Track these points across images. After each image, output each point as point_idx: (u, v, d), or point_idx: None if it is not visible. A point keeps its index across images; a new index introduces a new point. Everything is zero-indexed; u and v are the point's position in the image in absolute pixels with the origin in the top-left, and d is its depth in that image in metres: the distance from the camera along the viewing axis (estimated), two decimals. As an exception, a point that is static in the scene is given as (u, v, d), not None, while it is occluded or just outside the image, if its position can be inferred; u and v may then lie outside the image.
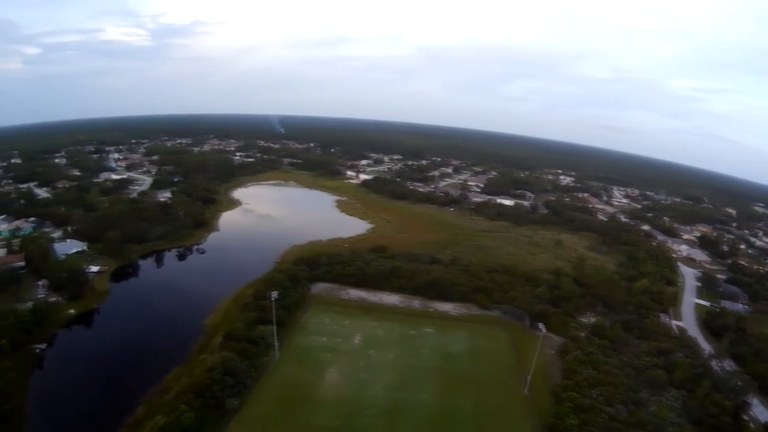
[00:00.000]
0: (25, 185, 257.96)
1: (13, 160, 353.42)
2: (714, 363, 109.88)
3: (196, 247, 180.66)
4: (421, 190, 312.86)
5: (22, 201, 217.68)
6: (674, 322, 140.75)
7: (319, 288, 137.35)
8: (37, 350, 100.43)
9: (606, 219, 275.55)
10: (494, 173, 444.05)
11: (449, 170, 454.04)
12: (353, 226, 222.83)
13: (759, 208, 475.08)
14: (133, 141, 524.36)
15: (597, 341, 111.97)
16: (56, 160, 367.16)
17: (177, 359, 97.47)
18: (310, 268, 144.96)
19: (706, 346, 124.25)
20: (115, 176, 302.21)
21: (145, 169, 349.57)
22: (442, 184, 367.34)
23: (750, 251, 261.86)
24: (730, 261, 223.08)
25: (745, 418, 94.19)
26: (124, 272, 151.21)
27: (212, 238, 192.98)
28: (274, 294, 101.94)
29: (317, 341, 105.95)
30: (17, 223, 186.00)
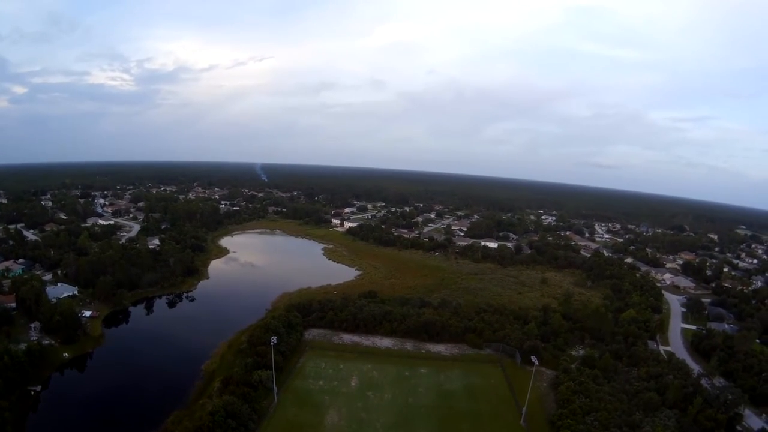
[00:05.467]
0: (12, 226, 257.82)
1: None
2: (704, 381, 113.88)
3: (187, 294, 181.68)
4: (406, 236, 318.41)
5: (11, 242, 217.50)
6: (662, 348, 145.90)
7: (312, 333, 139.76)
8: (33, 392, 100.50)
9: (589, 255, 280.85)
10: (477, 217, 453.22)
11: (432, 215, 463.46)
12: (342, 273, 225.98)
13: (741, 231, 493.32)
14: (119, 187, 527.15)
15: (588, 371, 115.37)
16: (42, 203, 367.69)
17: (176, 404, 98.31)
18: (303, 314, 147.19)
19: (695, 367, 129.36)
20: (102, 221, 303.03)
21: (132, 215, 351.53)
22: (426, 229, 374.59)
23: (734, 273, 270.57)
24: (714, 284, 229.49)
25: (739, 428, 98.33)
26: (116, 318, 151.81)
27: (203, 285, 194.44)
28: (274, 339, 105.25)
29: (315, 385, 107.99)
30: (7, 264, 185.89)
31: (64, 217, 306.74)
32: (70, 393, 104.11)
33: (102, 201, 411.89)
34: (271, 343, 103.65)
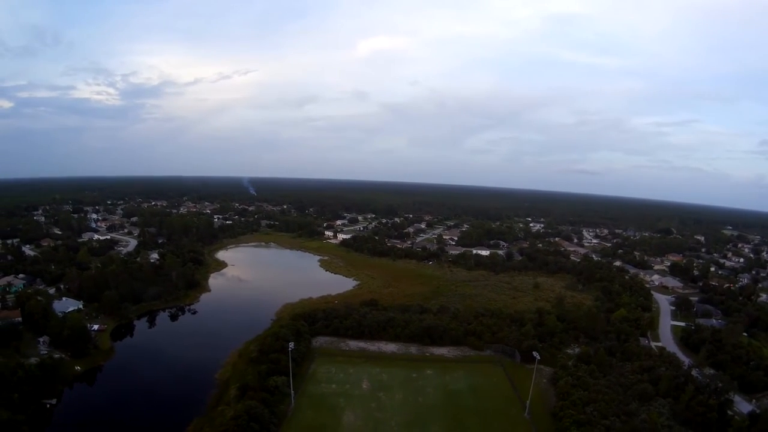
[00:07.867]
0: (9, 241, 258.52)
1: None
2: (695, 372, 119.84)
3: (191, 307, 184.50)
4: (399, 246, 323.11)
5: (10, 257, 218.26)
6: (653, 344, 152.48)
7: (319, 341, 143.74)
8: (48, 405, 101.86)
9: (579, 259, 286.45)
10: (467, 226, 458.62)
11: (423, 226, 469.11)
12: (340, 284, 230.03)
13: (727, 231, 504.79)
14: (109, 202, 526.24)
15: (584, 367, 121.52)
16: (35, 218, 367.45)
17: (194, 412, 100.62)
18: (309, 323, 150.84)
19: (685, 360, 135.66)
20: (99, 236, 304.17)
21: (126, 230, 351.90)
22: (418, 239, 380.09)
23: (721, 272, 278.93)
24: (701, 283, 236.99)
25: (730, 413, 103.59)
26: (122, 331, 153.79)
27: (205, 298, 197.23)
28: (291, 344, 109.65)
29: (328, 388, 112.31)
30: (8, 279, 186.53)
31: (59, 233, 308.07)
32: (85, 405, 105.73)
33: (95, 216, 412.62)
34: (289, 349, 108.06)
